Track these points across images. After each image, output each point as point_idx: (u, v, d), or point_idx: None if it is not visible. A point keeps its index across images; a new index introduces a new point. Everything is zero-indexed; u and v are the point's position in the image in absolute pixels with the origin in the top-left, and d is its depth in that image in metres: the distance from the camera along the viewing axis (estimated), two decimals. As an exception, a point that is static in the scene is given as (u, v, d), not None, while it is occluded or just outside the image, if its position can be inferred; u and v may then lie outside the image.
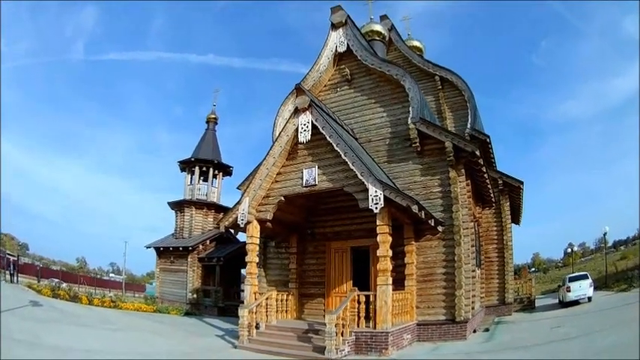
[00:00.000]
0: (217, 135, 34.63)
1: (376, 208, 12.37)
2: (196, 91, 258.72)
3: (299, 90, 14.33)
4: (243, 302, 28.14)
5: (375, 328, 12.30)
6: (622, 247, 48.08)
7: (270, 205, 14.39)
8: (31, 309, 14.41)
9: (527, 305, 24.37)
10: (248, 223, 14.41)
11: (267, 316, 14.40)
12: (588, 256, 70.74)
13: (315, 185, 13.70)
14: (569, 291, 22.59)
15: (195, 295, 28.00)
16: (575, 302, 22.27)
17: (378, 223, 12.61)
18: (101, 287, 51.36)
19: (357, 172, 12.73)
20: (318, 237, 16.92)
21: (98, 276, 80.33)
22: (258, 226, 14.66)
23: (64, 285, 30.23)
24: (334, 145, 13.21)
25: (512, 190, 23.43)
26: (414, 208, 12.37)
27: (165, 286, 30.15)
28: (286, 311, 15.67)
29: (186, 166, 32.14)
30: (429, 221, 13.92)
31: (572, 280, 23.56)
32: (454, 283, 14.42)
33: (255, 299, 14.41)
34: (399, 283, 14.17)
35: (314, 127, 13.79)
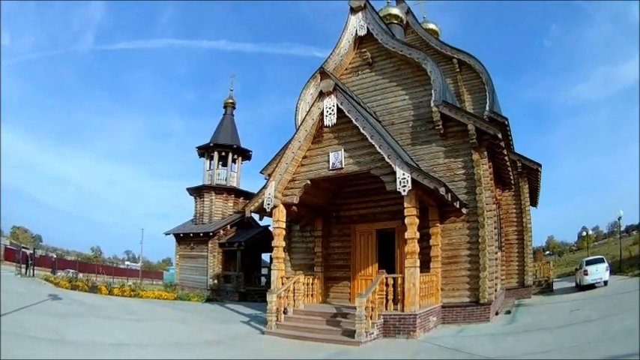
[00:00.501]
0: (235, 120, 34.76)
1: (404, 190, 12.41)
2: (208, 76, 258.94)
3: (323, 73, 14.36)
4: (264, 287, 28.78)
5: (403, 310, 12.43)
6: (634, 232, 47.59)
7: (296, 188, 14.47)
8: (51, 303, 14.21)
9: (546, 288, 24.42)
10: (274, 207, 14.50)
11: (294, 300, 14.52)
12: (602, 240, 70.37)
13: (342, 168, 13.75)
14: (587, 274, 22.63)
15: (215, 281, 28.22)
16: (592, 286, 22.35)
17: (405, 206, 12.66)
18: (119, 276, 51.65)
19: (384, 155, 12.76)
20: (343, 220, 17.00)
21: (114, 264, 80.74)
22: (284, 210, 14.73)
23: (81, 275, 30.46)
24: (360, 129, 13.24)
25: (531, 172, 23.40)
26: (442, 190, 12.44)
27: (185, 273, 30.41)
28: (312, 295, 15.77)
29: (204, 151, 32.28)
30: (455, 203, 13.98)
31: (589, 263, 23.59)
32: (478, 265, 14.50)
33: (282, 284, 14.52)
34: (424, 265, 14.13)
35: (339, 110, 13.80)
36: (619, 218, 33.70)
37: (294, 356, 10.25)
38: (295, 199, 14.44)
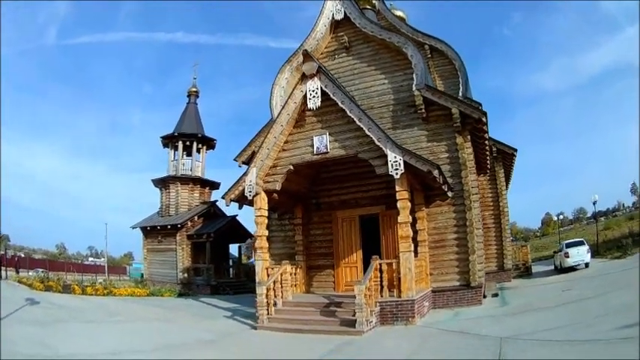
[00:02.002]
0: (199, 108, 33.85)
1: (397, 173, 12.03)
2: (165, 68, 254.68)
3: (306, 56, 13.75)
4: (235, 280, 28.19)
5: (399, 296, 12.10)
6: (602, 218, 49.06)
7: (278, 174, 13.86)
8: (30, 309, 13.18)
9: (524, 272, 24.81)
10: (256, 194, 13.84)
11: (282, 292, 13.90)
12: (567, 226, 72.29)
13: (327, 152, 13.22)
14: (568, 257, 22.77)
15: (186, 275, 27.47)
16: (572, 268, 22.56)
17: (397, 189, 12.30)
18: (87, 273, 49.91)
19: (373, 138, 12.34)
20: (323, 206, 16.55)
21: (79, 261, 78.64)
22: (266, 198, 14.10)
23: (52, 275, 29.05)
24: (347, 111, 12.76)
25: (506, 157, 23.50)
26: (435, 173, 12.18)
27: (154, 267, 29.55)
28: (295, 285, 15.21)
29: (168, 141, 31.36)
30: (443, 186, 13.71)
31: (569, 246, 23.81)
32: (467, 248, 14.42)
33: (268, 275, 13.92)
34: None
35: (323, 93, 13.25)
36: (594, 202, 34.24)
37: (300, 351, 9.61)
38: (277, 186, 13.82)
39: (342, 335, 10.74)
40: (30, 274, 33.47)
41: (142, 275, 34.37)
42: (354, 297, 11.62)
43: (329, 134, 13.27)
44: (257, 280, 13.75)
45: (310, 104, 13.37)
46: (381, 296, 12.35)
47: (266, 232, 14.25)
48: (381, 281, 12.47)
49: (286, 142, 13.95)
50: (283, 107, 13.91)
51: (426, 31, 25.02)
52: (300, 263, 15.99)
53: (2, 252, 31.04)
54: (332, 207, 16.40)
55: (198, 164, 31.63)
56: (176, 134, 30.96)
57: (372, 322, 11.32)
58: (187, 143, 31.39)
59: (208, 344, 10.47)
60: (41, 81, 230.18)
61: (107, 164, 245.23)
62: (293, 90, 13.94)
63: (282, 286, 13.87)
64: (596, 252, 28.77)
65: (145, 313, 15.34)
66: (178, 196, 29.47)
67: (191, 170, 30.96)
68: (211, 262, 27.17)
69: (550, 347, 8.00)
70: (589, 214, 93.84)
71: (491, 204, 22.97)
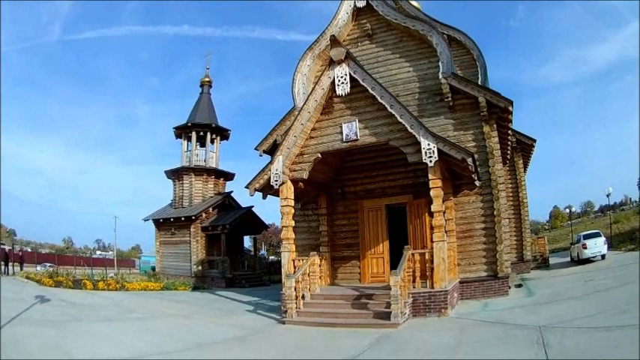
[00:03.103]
0: (212, 98, 33.59)
1: (431, 161, 11.78)
2: (171, 61, 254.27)
3: (334, 41, 13.44)
4: (250, 272, 27.91)
5: (432, 287, 11.86)
6: (609, 212, 48.67)
7: (305, 163, 13.57)
8: (41, 307, 12.49)
9: (542, 263, 24.67)
10: (282, 183, 13.54)
11: (309, 284, 13.58)
12: (575, 220, 71.91)
13: (357, 140, 12.92)
14: (586, 248, 22.54)
15: (200, 268, 27.22)
16: (588, 260, 22.36)
17: (430, 177, 12.04)
18: (96, 267, 49.17)
19: (406, 125, 12.05)
20: (348, 196, 16.28)
21: (87, 255, 78.40)
22: (292, 187, 13.80)
23: (60, 269, 28.73)
24: (378, 98, 12.46)
25: (525, 147, 23.22)
26: (470, 161, 11.99)
27: (167, 260, 29.35)
28: (320, 277, 14.88)
29: (181, 131, 31.09)
30: (473, 175, 13.38)
31: (586, 237, 23.56)
32: (494, 238, 14.26)
33: (294, 266, 13.65)
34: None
35: (352, 79, 12.94)
36: (608, 195, 33.87)
37: (338, 347, 9.23)
38: (305, 175, 13.52)
39: (378, 328, 10.42)
40: (38, 269, 32.81)
41: (153, 268, 34.19)
42: (385, 288, 11.55)
43: (358, 121, 12.96)
44: (283, 272, 13.43)
45: (339, 90, 13.05)
46: (414, 287, 12.10)
47: (292, 223, 13.90)
48: (414, 272, 12.24)
49: (313, 129, 13.65)
50: (310, 93, 13.59)
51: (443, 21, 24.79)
52: (324, 254, 15.67)
53: (9, 247, 30.52)
54: (357, 196, 16.13)
55: (212, 155, 31.40)
56: (189, 124, 30.68)
57: (405, 313, 11.02)
58: (201, 134, 31.12)
59: (240, 342, 10.02)
60: (46, 76, 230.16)
61: (114, 158, 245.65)
62: (320, 76, 13.63)
63: (309, 279, 13.55)
64: (610, 244, 28.62)
65: (164, 309, 14.92)
66: (192, 187, 29.22)
67: (205, 161, 30.70)
68: (226, 254, 26.90)
69: (589, 334, 7.93)
70: (596, 208, 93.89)
71: (511, 195, 22.74)
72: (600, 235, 23.41)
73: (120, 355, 8.27)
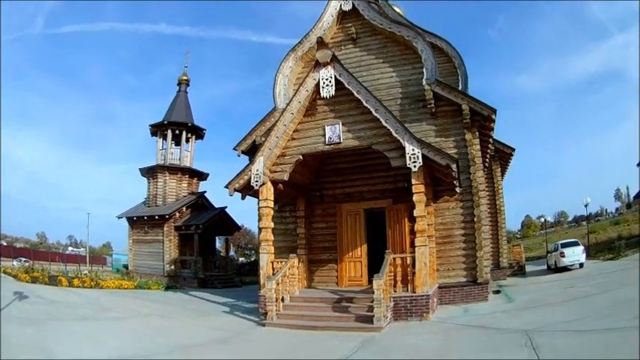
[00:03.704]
0: (189, 97, 33.25)
1: (415, 166, 11.79)
2: (148, 59, 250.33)
3: (320, 43, 13.29)
4: (223, 273, 27.56)
5: (414, 291, 11.85)
6: (583, 223, 49.58)
7: (286, 164, 13.41)
8: (19, 304, 12.18)
9: (518, 270, 25.10)
10: (262, 184, 13.35)
11: (289, 286, 13.38)
12: (549, 229, 73.04)
13: (340, 143, 12.85)
14: (564, 256, 22.79)
15: (173, 267, 26.87)
16: (565, 268, 22.64)
17: (413, 182, 12.06)
18: (69, 263, 47.95)
19: (391, 130, 12.06)
20: (327, 199, 16.12)
21: (59, 250, 77.08)
22: (272, 188, 13.64)
23: (36, 265, 28.06)
24: (363, 102, 12.42)
25: (503, 156, 23.43)
26: (454, 167, 12.07)
27: (140, 259, 28.90)
28: (297, 280, 14.74)
29: (157, 129, 30.67)
30: (455, 181, 13.45)
31: (564, 245, 23.87)
32: (474, 244, 14.34)
33: (273, 268, 13.48)
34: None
35: (337, 82, 12.86)
36: (586, 205, 34.20)
37: (323, 350, 9.05)
38: (285, 176, 13.36)
39: (360, 332, 10.32)
40: (14, 263, 32.96)
41: (125, 266, 33.63)
42: (364, 292, 11.56)
43: (342, 124, 12.91)
44: (262, 274, 13.37)
45: (324, 93, 12.94)
46: (395, 291, 12.04)
47: (271, 224, 13.72)
48: (395, 276, 12.17)
49: (296, 130, 13.52)
50: (294, 95, 13.46)
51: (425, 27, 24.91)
52: (301, 257, 15.42)
53: None
54: (336, 200, 16.00)
55: (187, 154, 31.07)
56: (166, 122, 30.30)
57: (387, 317, 10.96)
58: (177, 132, 30.78)
59: (223, 344, 9.84)
60: (27, 70, 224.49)
61: (90, 155, 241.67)
62: (305, 77, 13.48)
63: (289, 281, 13.37)
64: (587, 254, 29.10)
65: (140, 309, 14.61)
66: (166, 185, 28.84)
67: (179, 160, 30.33)
68: (199, 254, 26.60)
69: (577, 336, 8.00)
70: (570, 218, 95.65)
71: (488, 202, 22.81)
72: (578, 244, 23.70)
73: (102, 356, 8.09)
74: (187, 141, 31.39)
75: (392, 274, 12.02)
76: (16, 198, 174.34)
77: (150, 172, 29.68)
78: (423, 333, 10.08)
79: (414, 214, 12.06)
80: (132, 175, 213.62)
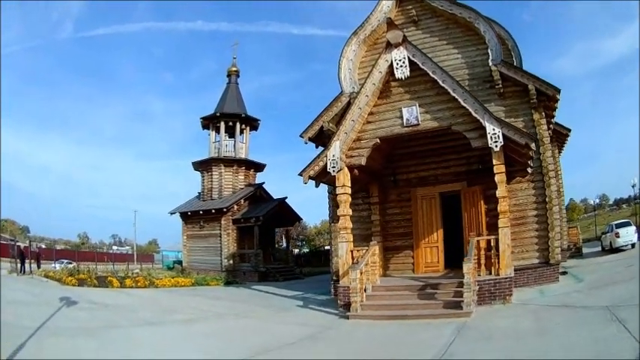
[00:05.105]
0: (240, 88, 33.32)
1: (496, 146, 11.67)
2: (185, 57, 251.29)
3: (390, 24, 13.29)
4: (283, 265, 27.63)
5: (497, 274, 11.75)
6: (624, 205, 48.33)
7: (362, 148, 13.40)
8: (69, 311, 11.08)
9: (575, 252, 24.84)
10: (340, 170, 13.33)
11: (370, 275, 13.17)
12: (590, 212, 71.47)
13: (418, 125, 12.78)
14: (619, 237, 22.72)
15: (231, 261, 27.01)
16: (619, 249, 22.60)
17: (495, 163, 11.96)
18: (117, 262, 47.57)
19: (470, 110, 11.93)
20: (401, 184, 16.08)
21: (104, 250, 78.46)
22: (349, 174, 13.58)
23: (78, 266, 27.82)
24: (440, 82, 12.32)
25: (559, 137, 23.02)
26: (533, 146, 11.94)
27: (196, 254, 29.12)
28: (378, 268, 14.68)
29: (209, 122, 30.93)
30: (530, 161, 13.35)
31: (619, 226, 23.69)
32: (546, 225, 14.13)
33: (353, 257, 13.43)
34: (493, 228, 13.36)
35: (411, 62, 12.76)
36: (633, 186, 33.64)
37: (417, 339, 8.93)
38: (363, 161, 13.32)
39: (451, 318, 10.21)
40: (56, 266, 31.86)
41: (177, 262, 33.97)
42: (444, 277, 11.62)
43: (419, 105, 12.81)
44: (340, 264, 13.37)
45: (398, 74, 12.84)
46: (479, 275, 11.94)
47: (350, 212, 13.62)
48: (479, 259, 12.08)
49: (371, 113, 13.48)
50: (368, 77, 13.38)
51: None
52: (376, 245, 15.40)
53: (25, 244, 30.02)
54: (410, 184, 15.95)
55: (242, 145, 31.15)
56: (218, 114, 30.38)
57: (474, 301, 10.86)
58: (230, 124, 30.83)
59: (313, 341, 9.42)
60: (58, 74, 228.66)
61: (129, 153, 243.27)
62: (377, 59, 13.38)
63: (370, 270, 13.20)
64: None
65: (208, 308, 14.26)
66: (222, 178, 29.02)
67: (234, 152, 30.43)
68: (259, 247, 26.70)
69: None
70: (611, 201, 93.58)
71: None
72: (631, 224, 23.72)
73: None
74: (241, 132, 31.50)
75: (476, 257, 11.91)
76: (51, 200, 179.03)
77: (204, 166, 29.94)
78: (513, 316, 10.02)
79: (497, 195, 11.97)
80: (172, 171, 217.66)
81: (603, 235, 26.58)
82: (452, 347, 7.80)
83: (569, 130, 22.87)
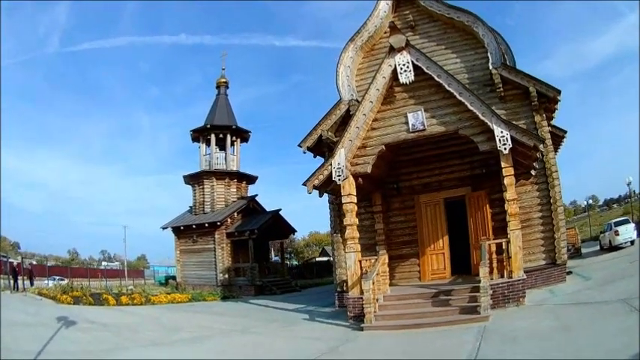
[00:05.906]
0: (229, 100, 33.00)
1: (505, 149, 11.54)
2: (170, 71, 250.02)
3: (393, 28, 13.13)
4: (279, 278, 27.19)
5: (510, 277, 11.59)
6: (614, 205, 48.84)
7: (368, 156, 13.15)
8: (68, 333, 10.63)
9: (575, 252, 24.90)
10: (345, 179, 13.00)
11: (381, 285, 12.89)
12: (580, 214, 71.99)
13: (424, 130, 12.58)
14: (618, 234, 23.11)
15: (226, 276, 26.55)
16: (617, 247, 22.90)
17: (503, 165, 11.84)
18: (109, 278, 47.04)
19: (477, 113, 11.80)
20: (404, 191, 15.87)
21: (93, 266, 77.56)
22: (354, 182, 13.29)
23: (74, 283, 27.19)
24: (445, 85, 12.16)
25: (555, 139, 23.00)
26: (541, 147, 11.86)
27: (189, 269, 28.60)
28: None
29: (199, 134, 30.52)
30: (535, 163, 13.36)
31: (617, 224, 24.13)
32: (552, 226, 14.16)
33: (361, 267, 13.14)
34: (500, 231, 13.41)
35: (415, 67, 12.59)
36: (628, 184, 34.02)
37: (442, 347, 8.62)
38: (368, 168, 13.07)
39: (469, 323, 10.03)
40: (49, 283, 31.33)
41: (169, 278, 33.41)
42: (453, 283, 11.52)
43: (424, 110, 12.64)
44: (349, 274, 13.00)
45: (402, 79, 12.67)
46: (491, 278, 11.69)
47: (356, 221, 13.33)
48: (491, 263, 11.85)
49: (375, 120, 13.27)
50: (372, 82, 13.16)
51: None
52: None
53: (18, 261, 29.37)
54: (414, 191, 15.75)
55: (233, 158, 30.81)
56: (208, 126, 30.05)
57: (490, 305, 10.67)
58: (220, 136, 30.52)
59: (333, 355, 9.05)
60: (45, 89, 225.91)
61: (116, 168, 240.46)
62: (380, 64, 13.19)
63: (381, 279, 12.92)
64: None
65: (211, 324, 13.90)
66: (214, 191, 28.59)
67: (225, 164, 30.07)
68: (254, 260, 26.29)
69: None
70: (601, 202, 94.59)
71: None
72: (629, 222, 24.25)
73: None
74: (232, 144, 31.16)
75: (488, 261, 11.70)
76: (41, 216, 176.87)
77: (195, 179, 29.51)
78: (531, 317, 9.92)
79: (507, 198, 11.87)
80: (160, 185, 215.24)
81: (602, 234, 26.98)
82: (481, 351, 7.61)
83: (565, 132, 22.88)
